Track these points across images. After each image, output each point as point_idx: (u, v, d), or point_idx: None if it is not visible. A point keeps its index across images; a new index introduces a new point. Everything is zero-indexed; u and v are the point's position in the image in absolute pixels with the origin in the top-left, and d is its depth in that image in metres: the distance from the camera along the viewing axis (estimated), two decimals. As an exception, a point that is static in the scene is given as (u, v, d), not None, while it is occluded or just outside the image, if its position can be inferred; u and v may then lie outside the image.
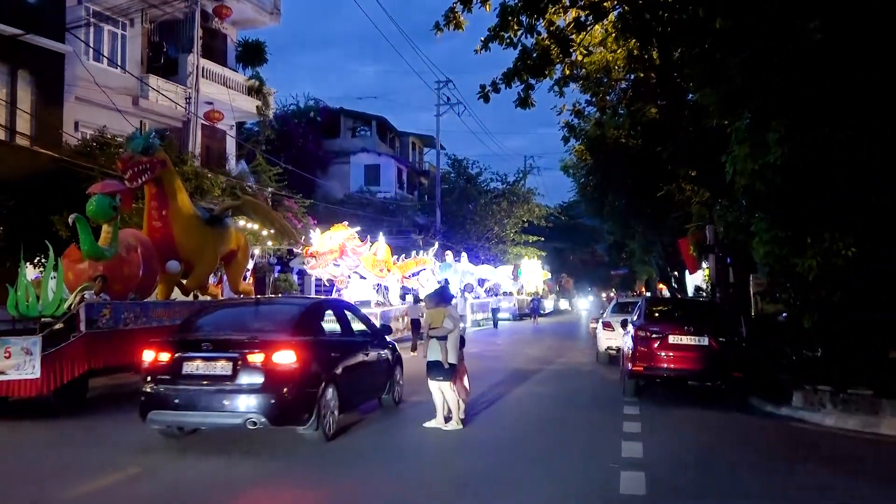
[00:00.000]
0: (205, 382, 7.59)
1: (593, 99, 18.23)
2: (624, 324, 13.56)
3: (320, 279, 23.96)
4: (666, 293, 28.94)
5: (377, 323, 11.44)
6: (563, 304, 65.42)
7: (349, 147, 43.69)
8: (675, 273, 25.25)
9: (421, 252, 29.77)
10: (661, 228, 21.68)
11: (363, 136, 45.96)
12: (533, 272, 50.68)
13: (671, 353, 11.32)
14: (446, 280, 25.38)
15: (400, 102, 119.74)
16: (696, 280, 24.03)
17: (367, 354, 9.75)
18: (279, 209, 22.12)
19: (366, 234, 24.52)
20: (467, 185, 46.16)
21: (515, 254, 48.30)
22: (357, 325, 10.09)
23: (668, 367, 11.35)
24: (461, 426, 9.15)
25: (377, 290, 24.44)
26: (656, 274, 29.71)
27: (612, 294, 57.92)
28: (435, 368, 9.16)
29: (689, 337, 11.34)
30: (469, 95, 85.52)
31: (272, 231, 18.99)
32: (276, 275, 25.16)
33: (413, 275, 27.52)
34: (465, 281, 34.95)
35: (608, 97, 17.93)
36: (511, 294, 43.12)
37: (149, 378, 7.83)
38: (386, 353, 10.50)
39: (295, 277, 26.93)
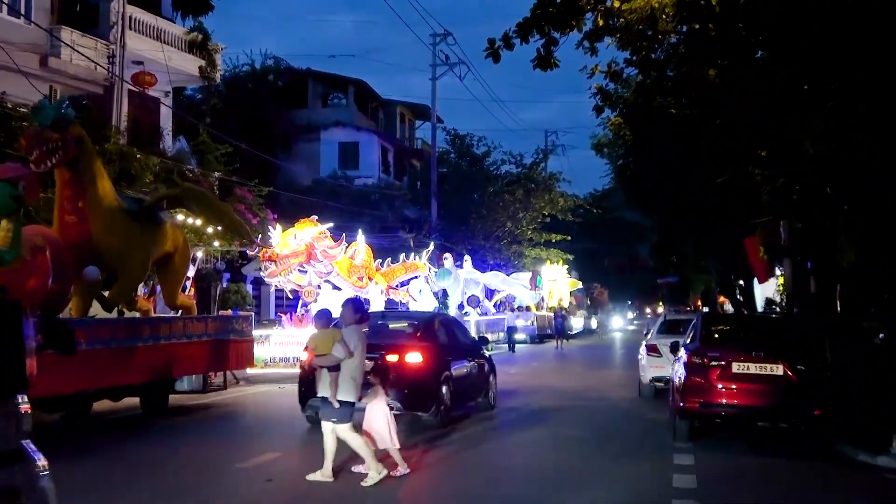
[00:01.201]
0: None
1: (634, 58, 17.96)
2: (674, 348, 13.61)
3: (282, 290, 23.94)
4: (729, 308, 28.91)
5: None
6: (596, 321, 65.43)
7: (319, 119, 43.72)
8: (741, 282, 25.24)
9: (412, 255, 29.72)
10: (722, 224, 21.53)
11: (337, 105, 46.10)
12: (557, 281, 50.76)
13: (735, 386, 11.44)
14: (444, 291, 25.29)
15: (385, 63, 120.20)
16: (766, 291, 24.08)
17: (469, 361, 14.72)
18: (229, 200, 22.16)
19: (341, 232, 24.35)
20: (472, 168, 46.40)
21: (534, 257, 48.41)
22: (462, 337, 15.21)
23: (730, 404, 11.45)
24: (379, 476, 9.15)
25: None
26: (715, 283, 29.69)
27: (658, 309, 57.83)
28: (325, 407, 9.33)
29: (758, 364, 11.43)
30: (474, 54, 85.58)
31: (219, 228, 18.83)
32: (225, 285, 25.04)
33: (402, 284, 27.47)
34: (470, 292, 35.02)
35: (653, 55, 17.82)
36: (528, 309, 43.23)
37: (306, 373, 12.03)
38: (483, 361, 15.57)
39: (249, 288, 26.94)
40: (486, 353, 16.27)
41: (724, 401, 11.44)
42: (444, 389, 13.07)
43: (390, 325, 14.31)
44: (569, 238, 49.86)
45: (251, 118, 36.58)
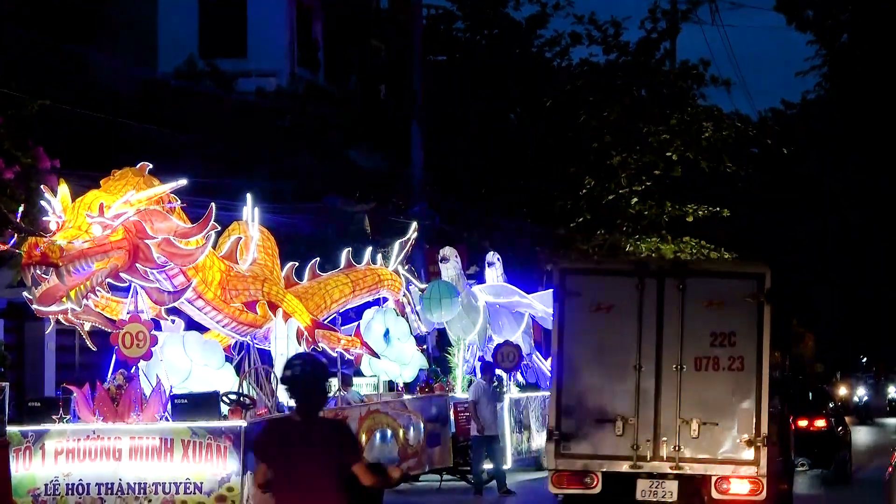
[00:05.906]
0: None
1: None
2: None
3: (72, 329, 17.18)
4: None
5: None
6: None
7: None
8: None
9: (368, 254, 19.60)
10: None
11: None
12: None
13: None
14: (438, 333, 19.05)
15: None
16: None
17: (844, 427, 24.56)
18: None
19: (207, 201, 16.64)
20: (504, 54, 31.16)
21: (647, 253, 28.54)
22: None
23: None
24: None
25: (237, 364, 16.43)
26: None
27: None
28: None
29: None
30: None
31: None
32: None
33: (346, 317, 18.86)
34: (499, 338, 21.36)
35: None
36: None
37: None
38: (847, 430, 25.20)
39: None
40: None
41: None
42: (840, 450, 20.74)
43: None
44: (725, 213, 30.10)
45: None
